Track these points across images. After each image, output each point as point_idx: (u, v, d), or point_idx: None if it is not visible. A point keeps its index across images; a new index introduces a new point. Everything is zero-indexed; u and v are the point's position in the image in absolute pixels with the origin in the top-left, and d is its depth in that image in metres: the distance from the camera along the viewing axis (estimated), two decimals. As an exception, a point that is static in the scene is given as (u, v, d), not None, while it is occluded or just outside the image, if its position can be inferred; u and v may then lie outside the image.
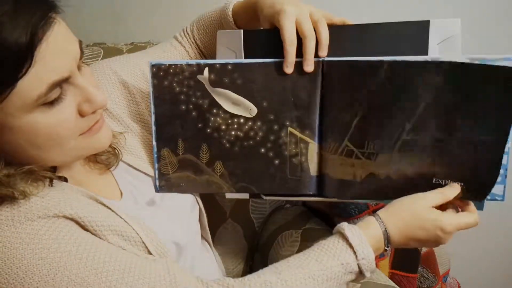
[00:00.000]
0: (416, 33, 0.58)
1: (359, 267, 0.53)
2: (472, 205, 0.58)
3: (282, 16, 0.57)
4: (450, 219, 0.55)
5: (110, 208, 0.52)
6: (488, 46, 1.12)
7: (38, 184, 0.47)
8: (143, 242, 0.52)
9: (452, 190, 0.57)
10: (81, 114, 0.48)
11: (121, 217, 0.52)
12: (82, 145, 0.50)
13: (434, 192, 0.57)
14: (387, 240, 0.55)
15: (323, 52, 0.58)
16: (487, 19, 1.11)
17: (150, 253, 0.52)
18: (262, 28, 0.63)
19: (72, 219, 0.48)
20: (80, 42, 0.47)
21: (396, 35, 0.59)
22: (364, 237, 0.54)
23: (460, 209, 0.59)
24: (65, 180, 0.52)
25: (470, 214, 0.57)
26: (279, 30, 0.57)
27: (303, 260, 0.53)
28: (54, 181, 0.50)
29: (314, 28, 0.57)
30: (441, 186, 0.58)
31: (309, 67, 0.58)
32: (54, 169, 0.52)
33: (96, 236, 0.49)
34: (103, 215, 0.50)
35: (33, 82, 0.41)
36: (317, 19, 0.57)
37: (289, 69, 0.58)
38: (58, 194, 0.48)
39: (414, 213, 0.55)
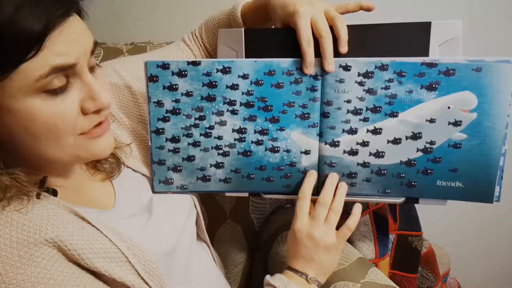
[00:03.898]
0: (417, 34, 0.58)
1: None
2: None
3: (297, 18, 0.56)
4: (324, 231, 0.60)
5: (95, 226, 0.50)
6: (488, 46, 1.12)
7: (22, 198, 0.46)
8: (130, 262, 0.51)
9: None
10: (84, 111, 0.47)
11: (106, 236, 0.50)
12: (81, 146, 0.49)
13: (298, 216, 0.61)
14: (317, 283, 0.61)
15: (344, 48, 0.57)
16: (487, 19, 1.11)
17: (137, 272, 0.51)
18: (263, 27, 0.63)
19: (54, 245, 0.46)
20: (96, 42, 0.48)
21: (397, 36, 0.58)
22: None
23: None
24: (54, 193, 0.50)
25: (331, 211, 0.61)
26: (284, 29, 0.57)
27: None
28: (42, 194, 0.48)
29: (331, 26, 0.57)
30: None
31: (330, 66, 0.57)
32: (45, 177, 0.50)
33: (79, 264, 0.48)
34: (87, 235, 0.48)
35: (37, 64, 0.41)
36: (333, 16, 0.57)
37: (309, 69, 0.58)
38: (41, 212, 0.47)
39: (314, 244, 0.60)
